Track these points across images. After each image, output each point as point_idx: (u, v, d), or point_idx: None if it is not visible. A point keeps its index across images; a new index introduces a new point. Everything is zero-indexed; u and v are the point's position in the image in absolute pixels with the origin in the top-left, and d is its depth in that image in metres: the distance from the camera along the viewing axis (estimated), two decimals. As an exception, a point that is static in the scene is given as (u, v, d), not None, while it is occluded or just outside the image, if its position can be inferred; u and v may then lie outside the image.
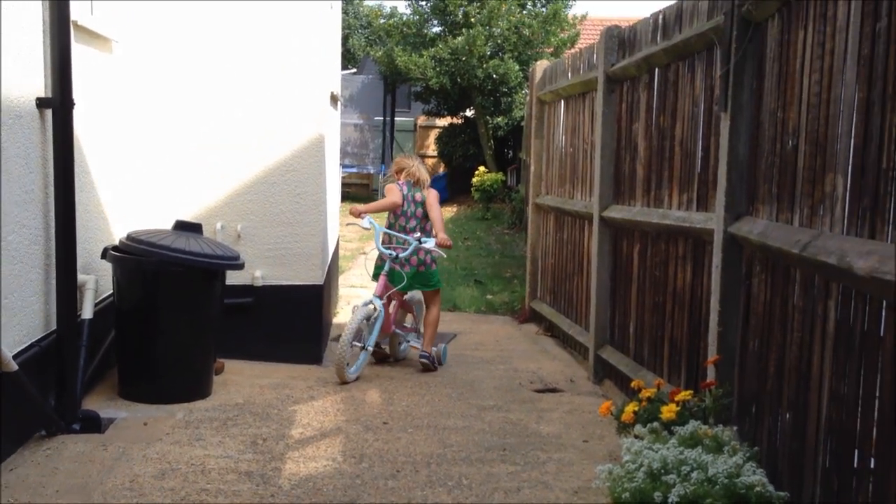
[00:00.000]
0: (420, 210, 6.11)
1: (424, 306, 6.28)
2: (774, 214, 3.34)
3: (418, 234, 5.97)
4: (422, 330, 6.30)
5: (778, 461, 3.15)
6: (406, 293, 6.16)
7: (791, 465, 3.03)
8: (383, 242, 6.07)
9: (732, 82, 3.66)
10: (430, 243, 5.89)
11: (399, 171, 6.27)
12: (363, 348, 5.72)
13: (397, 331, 6.19)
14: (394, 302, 6.08)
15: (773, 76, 3.41)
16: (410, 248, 5.90)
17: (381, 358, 6.23)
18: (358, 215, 6.01)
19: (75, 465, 3.77)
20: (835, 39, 2.86)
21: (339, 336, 5.66)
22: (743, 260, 3.65)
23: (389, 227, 6.12)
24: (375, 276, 6.09)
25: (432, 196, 6.16)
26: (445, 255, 6.23)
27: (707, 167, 4.21)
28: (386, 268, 5.95)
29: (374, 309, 5.74)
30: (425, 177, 6.22)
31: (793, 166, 3.18)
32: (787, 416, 3.09)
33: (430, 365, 6.02)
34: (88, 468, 3.75)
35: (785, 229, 3.16)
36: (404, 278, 5.93)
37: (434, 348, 6.15)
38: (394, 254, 5.91)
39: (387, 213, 6.22)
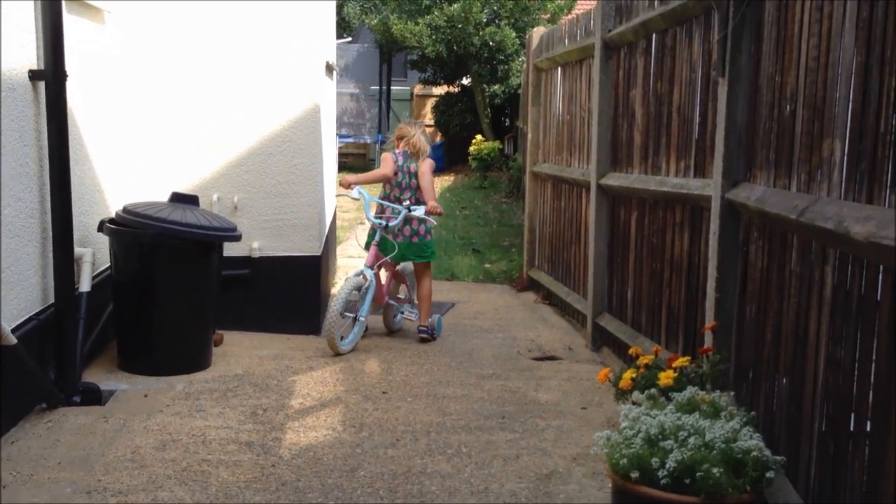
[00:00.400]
0: (415, 181, 6.00)
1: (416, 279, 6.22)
2: (772, 180, 3.33)
3: (408, 203, 5.89)
4: (416, 302, 6.24)
5: (775, 426, 3.17)
6: (398, 264, 6.10)
7: (788, 430, 3.05)
8: (375, 212, 6.01)
9: (730, 47, 3.63)
10: (419, 211, 5.82)
11: (400, 139, 6.14)
12: (356, 319, 5.67)
13: (391, 302, 6.13)
14: (386, 272, 6.00)
15: (772, 40, 3.39)
16: (399, 217, 5.83)
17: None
18: (347, 186, 5.93)
19: (76, 437, 3.80)
20: (833, 3, 2.83)
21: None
22: (740, 226, 3.64)
23: (385, 197, 6.03)
24: (367, 246, 6.02)
25: (425, 165, 6.04)
26: (436, 223, 6.18)
27: (705, 133, 4.19)
28: (376, 237, 5.88)
29: (365, 279, 5.69)
30: (425, 147, 6.07)
31: (791, 131, 3.16)
32: (784, 381, 3.11)
33: (430, 339, 5.99)
34: (90, 440, 3.77)
35: (783, 195, 3.15)
36: (395, 248, 5.86)
37: (429, 319, 6.10)
38: (383, 223, 5.85)
39: (381, 183, 6.15)
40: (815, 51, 2.96)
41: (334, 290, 7.63)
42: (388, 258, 5.88)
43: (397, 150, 6.05)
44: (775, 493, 2.94)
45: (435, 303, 7.52)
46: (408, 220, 5.89)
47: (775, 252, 3.25)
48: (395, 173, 5.96)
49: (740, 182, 3.65)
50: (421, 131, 6.17)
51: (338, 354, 5.42)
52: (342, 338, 5.53)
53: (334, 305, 5.44)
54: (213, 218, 5.00)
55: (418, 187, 6.00)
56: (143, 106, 5.79)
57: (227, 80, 5.86)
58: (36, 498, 3.21)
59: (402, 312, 6.23)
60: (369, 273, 5.72)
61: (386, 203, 5.98)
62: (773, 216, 3.17)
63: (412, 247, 5.99)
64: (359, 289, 5.67)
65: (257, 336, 5.82)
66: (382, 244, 5.90)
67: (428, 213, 5.84)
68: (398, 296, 6.30)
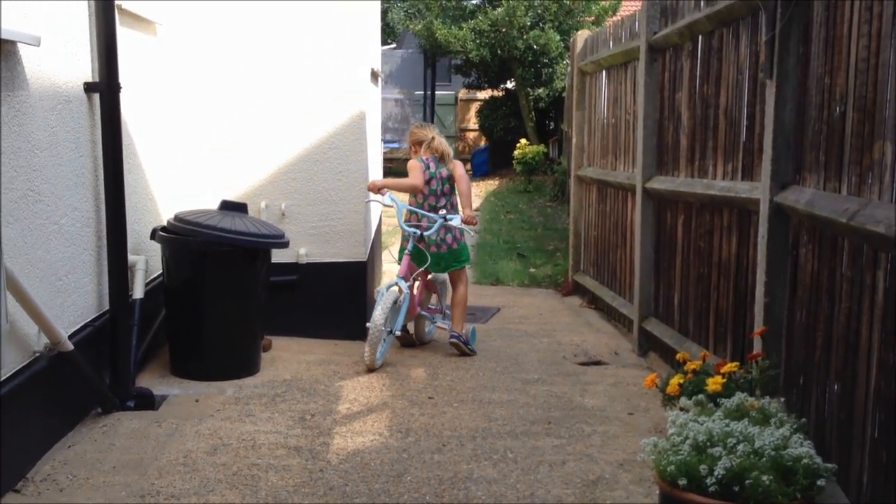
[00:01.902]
0: (448, 186, 5.77)
1: (450, 285, 5.96)
2: (822, 183, 3.28)
3: (444, 212, 5.65)
4: (447, 312, 5.98)
5: (826, 433, 3.12)
6: (430, 273, 5.86)
7: (839, 437, 3.00)
8: (406, 220, 5.78)
9: (778, 48, 3.58)
10: (455, 220, 5.58)
11: (417, 144, 5.84)
12: (389, 332, 5.42)
13: (422, 313, 5.87)
14: (418, 282, 5.76)
15: (820, 41, 3.34)
16: (435, 226, 5.58)
17: (406, 343, 5.90)
18: (377, 191, 5.64)
19: (130, 441, 3.88)
20: (883, 2, 2.79)
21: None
22: (789, 230, 3.59)
23: (418, 206, 5.76)
24: (401, 258, 5.73)
25: (460, 168, 5.82)
26: (473, 234, 6.00)
27: (752, 136, 4.15)
28: (409, 247, 5.63)
29: (400, 292, 5.45)
30: (449, 149, 5.86)
31: (840, 133, 3.11)
32: (836, 386, 3.06)
33: (463, 345, 5.67)
34: (143, 444, 3.85)
35: (832, 198, 3.11)
36: (428, 258, 5.62)
37: (463, 329, 5.81)
38: (418, 232, 5.58)
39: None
40: (864, 51, 2.92)
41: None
42: (423, 268, 5.65)
43: (424, 157, 5.78)
44: (826, 500, 2.90)
45: (480, 307, 7.54)
46: (440, 227, 5.66)
47: (825, 256, 3.20)
48: (428, 181, 5.72)
49: (789, 185, 3.60)
50: (438, 132, 5.94)
51: (372, 370, 5.20)
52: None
53: (377, 322, 5.21)
54: (261, 225, 5.07)
55: (452, 191, 5.81)
56: (193, 115, 5.91)
57: (273, 89, 5.96)
58: (91, 501, 3.29)
59: (434, 322, 6.01)
60: (404, 285, 5.47)
61: (421, 212, 5.72)
62: (822, 219, 3.13)
63: (453, 253, 5.80)
64: (395, 302, 5.43)
65: (305, 341, 5.88)
66: (416, 254, 5.67)
67: (464, 222, 5.63)
68: (429, 305, 6.05)
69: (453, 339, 5.70)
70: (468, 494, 3.47)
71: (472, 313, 7.26)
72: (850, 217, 2.83)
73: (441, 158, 5.81)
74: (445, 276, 6.01)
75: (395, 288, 5.47)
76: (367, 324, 5.27)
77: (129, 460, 3.67)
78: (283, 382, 4.89)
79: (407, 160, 6.05)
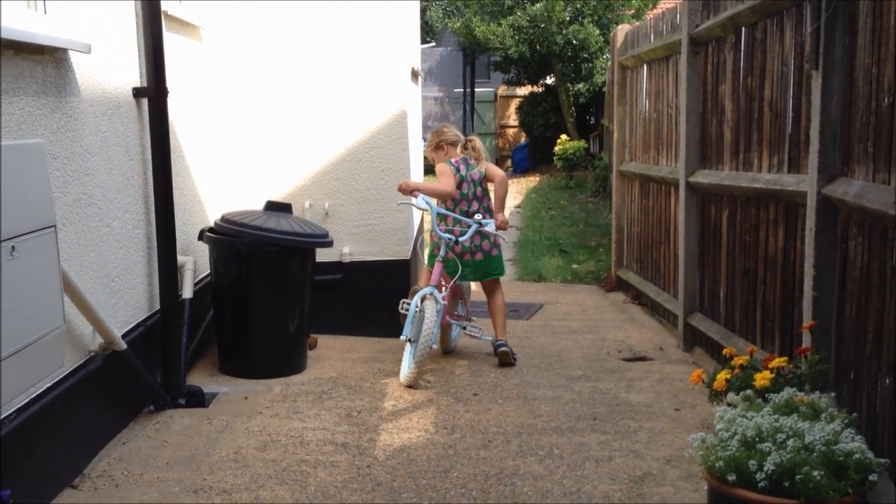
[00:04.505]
0: (481, 190, 5.48)
1: (485, 295, 5.66)
2: (871, 175, 3.23)
3: (480, 216, 5.35)
4: (472, 319, 5.72)
5: (878, 427, 3.08)
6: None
7: (891, 432, 2.96)
8: (441, 225, 5.41)
9: (824, 39, 3.54)
10: (490, 226, 5.30)
11: (450, 145, 5.56)
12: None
13: (450, 320, 5.52)
14: (446, 289, 5.38)
15: (867, 31, 3.29)
16: (470, 231, 5.28)
17: None
18: (410, 192, 5.27)
19: (182, 437, 3.97)
20: (933, -10, 2.74)
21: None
22: (838, 222, 3.55)
23: (450, 211, 5.44)
24: (431, 265, 5.41)
25: (499, 171, 5.56)
26: (506, 239, 5.73)
27: (798, 128, 4.10)
28: (442, 253, 5.27)
29: (438, 303, 5.05)
30: (483, 149, 5.62)
31: (889, 125, 3.07)
32: (888, 381, 3.01)
33: (510, 354, 5.36)
34: (195, 441, 3.93)
35: (882, 190, 3.06)
36: (459, 267, 5.34)
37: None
38: (453, 238, 5.25)
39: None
40: (913, 41, 2.87)
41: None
42: (456, 279, 5.34)
43: (454, 160, 5.48)
44: (878, 496, 2.86)
45: (523, 304, 7.56)
46: (475, 233, 5.34)
47: (875, 248, 3.15)
48: (459, 185, 5.42)
49: (837, 177, 3.55)
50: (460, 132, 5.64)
51: (410, 387, 4.88)
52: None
53: (428, 340, 4.85)
54: (305, 225, 5.14)
55: (486, 195, 5.52)
56: (237, 117, 6.00)
57: (316, 90, 6.02)
58: (146, 496, 3.37)
59: (464, 328, 5.57)
60: (440, 297, 5.10)
61: (454, 216, 5.40)
62: (871, 212, 3.09)
63: (492, 261, 5.55)
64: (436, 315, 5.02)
65: (349, 339, 5.94)
66: (448, 262, 5.34)
67: (498, 228, 5.38)
68: (456, 313, 5.69)
69: (502, 348, 5.36)
70: (514, 490, 3.48)
71: (516, 310, 7.28)
72: (901, 209, 2.79)
73: (476, 159, 5.50)
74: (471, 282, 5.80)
75: (434, 302, 5.04)
76: (401, 337, 5.01)
77: (181, 456, 3.75)
78: (329, 380, 4.95)
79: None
